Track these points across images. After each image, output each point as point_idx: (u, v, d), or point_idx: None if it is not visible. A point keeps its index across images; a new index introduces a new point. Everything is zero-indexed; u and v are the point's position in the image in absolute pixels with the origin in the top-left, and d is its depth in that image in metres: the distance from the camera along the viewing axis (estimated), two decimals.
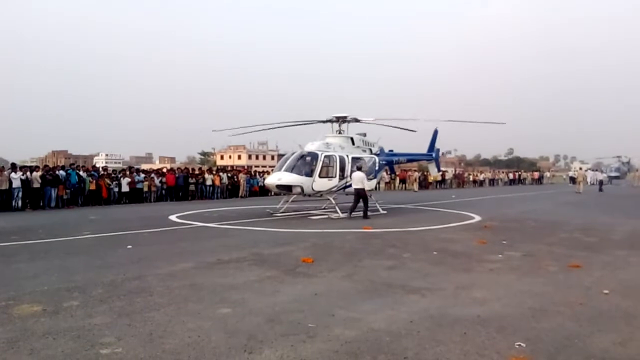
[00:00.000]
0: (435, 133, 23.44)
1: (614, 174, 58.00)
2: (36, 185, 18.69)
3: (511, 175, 57.81)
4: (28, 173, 18.80)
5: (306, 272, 7.03)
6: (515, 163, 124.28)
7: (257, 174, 32.46)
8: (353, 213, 15.29)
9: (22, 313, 4.88)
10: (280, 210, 16.25)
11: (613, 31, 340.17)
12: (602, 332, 4.53)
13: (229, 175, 29.27)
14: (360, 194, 15.16)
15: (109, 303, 5.26)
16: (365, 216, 14.90)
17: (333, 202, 15.80)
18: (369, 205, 15.63)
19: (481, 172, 58.50)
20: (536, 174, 63.21)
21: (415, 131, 19.98)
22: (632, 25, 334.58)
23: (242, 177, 28.96)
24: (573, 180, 49.67)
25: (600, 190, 36.15)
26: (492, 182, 52.53)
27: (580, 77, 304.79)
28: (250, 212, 17.28)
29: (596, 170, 63.72)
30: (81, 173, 21.20)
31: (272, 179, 15.41)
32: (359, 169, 15.66)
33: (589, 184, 53.48)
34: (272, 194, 20.61)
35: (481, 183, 50.56)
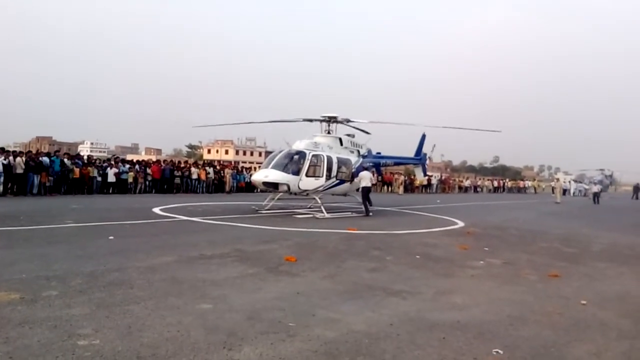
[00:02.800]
0: (423, 138, 23.58)
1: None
2: (19, 170, 18.44)
3: (495, 183, 58.46)
4: (11, 158, 18.53)
5: (289, 270, 7.02)
6: (500, 171, 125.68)
7: (244, 169, 32.38)
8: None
9: None
10: (266, 208, 16.23)
11: (606, 43, 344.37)
12: (579, 341, 4.60)
13: (215, 169, 29.17)
14: (367, 191, 16.80)
15: (88, 294, 5.20)
16: (367, 213, 16.55)
17: (319, 201, 15.82)
18: (357, 203, 16.93)
19: (467, 178, 59.00)
20: (522, 183, 64.02)
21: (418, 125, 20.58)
22: (626, 37, 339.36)
23: (228, 173, 28.88)
24: (565, 191, 50.53)
25: (596, 202, 35.82)
26: (476, 188, 53.03)
27: (568, 88, 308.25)
28: (235, 208, 17.23)
29: (580, 182, 64.69)
30: (65, 160, 20.95)
31: (259, 176, 15.38)
32: (365, 169, 17.34)
33: (571, 194, 54.37)
34: (259, 190, 20.59)
35: (466, 189, 51.05)
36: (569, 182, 63.72)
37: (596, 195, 37.53)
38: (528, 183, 66.39)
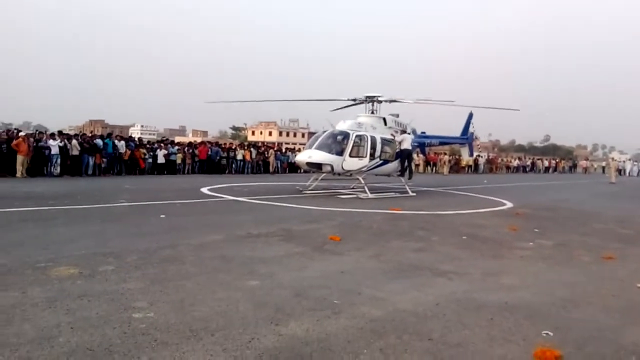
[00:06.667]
0: (470, 116, 22.96)
1: None
2: (75, 152, 19.25)
3: (546, 163, 56.45)
4: (66, 140, 19.36)
5: (334, 249, 7.07)
6: (551, 150, 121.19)
7: (288, 150, 32.59)
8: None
9: (59, 275, 5.08)
10: (310, 188, 16.32)
11: None
12: (635, 325, 4.44)
13: (259, 151, 29.52)
14: (408, 154, 17.04)
15: (142, 269, 5.42)
16: (410, 177, 17.46)
17: (362, 182, 15.76)
18: (401, 184, 17.37)
19: (518, 159, 57.12)
20: (583, 163, 61.72)
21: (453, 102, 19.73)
22: None
23: (271, 153, 29.17)
24: (620, 171, 48.38)
25: None
26: (525, 168, 51.32)
27: (622, 65, 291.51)
28: (279, 188, 17.42)
29: (637, 161, 61.67)
30: (116, 142, 21.64)
31: (303, 157, 15.46)
32: (404, 132, 17.60)
33: (627, 174, 51.93)
34: (302, 171, 20.78)
35: (515, 169, 49.58)
36: (624, 161, 60.83)
37: None
38: (595, 164, 63.50)
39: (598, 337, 4.10)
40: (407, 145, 16.89)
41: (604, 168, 54.30)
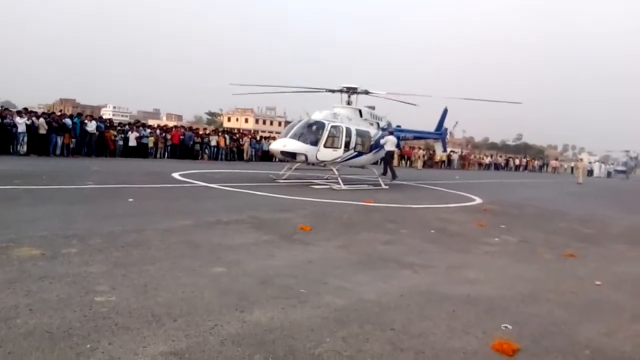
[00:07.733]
0: (445, 112, 23.24)
1: (620, 167, 57.90)
2: (42, 131, 18.76)
3: (517, 161, 57.59)
4: (34, 118, 18.83)
5: (303, 239, 7.08)
6: (522, 149, 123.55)
7: (263, 139, 32.43)
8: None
9: (21, 255, 4.95)
10: (283, 177, 16.28)
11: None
12: (590, 321, 4.57)
13: (234, 137, 29.29)
14: (390, 155, 18.11)
15: (106, 253, 5.33)
16: (387, 174, 17.93)
17: (336, 173, 15.79)
18: (374, 176, 17.57)
19: (490, 156, 58.08)
20: (553, 163, 63.24)
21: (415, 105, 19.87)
22: None
23: (246, 141, 28.99)
24: (589, 172, 49.87)
25: None
26: (497, 166, 52.27)
27: (595, 66, 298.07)
28: (253, 176, 17.33)
29: (603, 162, 63.50)
30: (87, 122, 21.15)
31: (277, 145, 15.40)
32: (391, 133, 18.02)
33: (595, 175, 53.43)
34: (277, 159, 20.70)
35: (487, 166, 50.45)
36: (592, 162, 62.55)
37: None
38: (565, 164, 65.14)
39: (555, 331, 4.22)
40: (390, 147, 17.60)
41: (572, 168, 55.80)
